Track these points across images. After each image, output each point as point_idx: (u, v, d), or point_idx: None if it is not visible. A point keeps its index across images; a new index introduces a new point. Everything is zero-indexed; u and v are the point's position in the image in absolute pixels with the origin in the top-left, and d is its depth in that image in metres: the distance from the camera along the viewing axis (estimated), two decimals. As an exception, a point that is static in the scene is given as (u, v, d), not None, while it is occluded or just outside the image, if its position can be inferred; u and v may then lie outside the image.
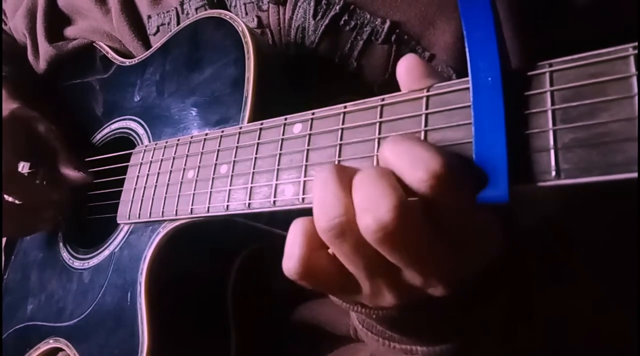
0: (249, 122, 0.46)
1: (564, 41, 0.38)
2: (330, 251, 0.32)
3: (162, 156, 0.52)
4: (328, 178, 0.30)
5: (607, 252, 0.44)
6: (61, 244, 0.66)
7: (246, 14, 0.55)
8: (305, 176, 0.37)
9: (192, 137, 0.49)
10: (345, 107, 0.37)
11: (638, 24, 0.41)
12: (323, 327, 0.54)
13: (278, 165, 0.39)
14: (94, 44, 0.73)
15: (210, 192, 0.44)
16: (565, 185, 0.26)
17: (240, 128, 0.44)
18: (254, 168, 0.41)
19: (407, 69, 0.33)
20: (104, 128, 0.68)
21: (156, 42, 0.63)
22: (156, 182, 0.51)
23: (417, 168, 0.27)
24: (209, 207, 0.44)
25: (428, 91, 0.32)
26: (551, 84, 0.28)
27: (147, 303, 0.49)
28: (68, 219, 0.69)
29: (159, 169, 0.52)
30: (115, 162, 0.63)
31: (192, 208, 0.46)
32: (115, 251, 0.56)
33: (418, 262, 0.29)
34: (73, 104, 0.74)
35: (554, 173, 0.26)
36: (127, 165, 0.57)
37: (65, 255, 0.64)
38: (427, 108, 0.32)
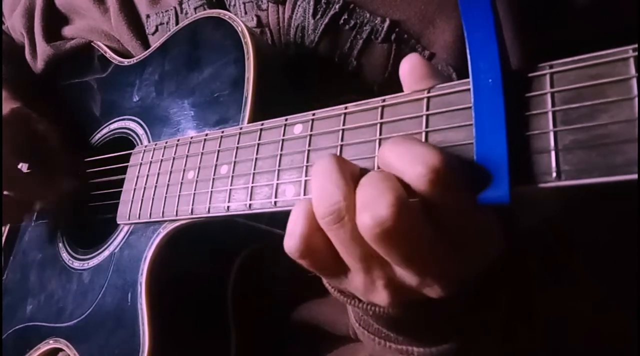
0: (249, 122, 0.46)
1: (564, 41, 0.38)
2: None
3: (162, 156, 0.52)
4: (328, 166, 0.31)
5: (607, 253, 0.44)
6: (61, 244, 0.66)
7: (245, 13, 0.55)
8: (306, 176, 0.37)
9: (192, 138, 0.49)
10: (346, 107, 0.37)
11: (638, 24, 0.41)
12: (323, 327, 0.55)
13: (279, 165, 0.39)
14: (92, 43, 0.73)
15: (211, 192, 0.44)
16: (565, 186, 0.26)
17: (241, 128, 0.44)
18: (254, 169, 0.41)
19: (410, 68, 0.33)
20: (103, 128, 0.67)
21: (155, 42, 0.62)
22: (156, 182, 0.51)
23: (416, 164, 0.27)
24: (209, 208, 0.44)
25: (429, 92, 0.33)
26: (552, 86, 0.28)
27: (147, 304, 0.49)
28: (68, 219, 0.69)
29: (159, 169, 0.52)
30: (115, 162, 0.63)
31: (192, 209, 0.46)
32: (115, 251, 0.56)
33: (415, 262, 0.29)
34: (71, 104, 0.73)
35: (554, 174, 0.26)
36: (127, 166, 0.57)
37: (65, 255, 0.64)
38: (428, 109, 0.32)
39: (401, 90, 0.34)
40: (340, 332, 0.53)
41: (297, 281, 0.52)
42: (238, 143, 0.44)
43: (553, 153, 0.27)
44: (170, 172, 0.50)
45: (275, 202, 0.39)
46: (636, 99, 0.25)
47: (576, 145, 0.26)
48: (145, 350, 0.47)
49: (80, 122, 0.71)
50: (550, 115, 0.27)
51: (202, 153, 0.47)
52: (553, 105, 0.27)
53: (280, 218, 0.34)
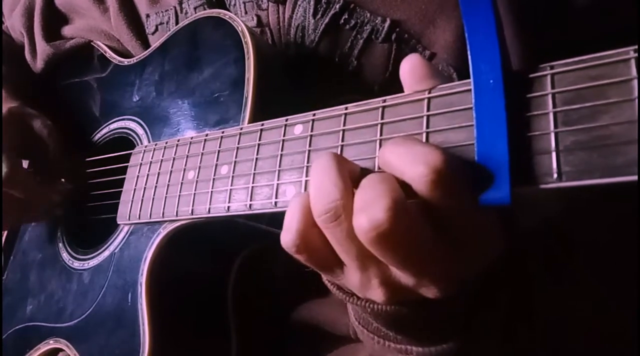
0: (249, 122, 0.46)
1: (564, 41, 0.39)
2: None
3: (162, 157, 0.52)
4: (327, 164, 0.31)
5: (607, 253, 0.44)
6: (61, 244, 0.66)
7: (245, 12, 0.55)
8: (306, 177, 0.37)
9: (192, 138, 0.49)
10: (346, 108, 0.37)
11: (638, 24, 0.41)
12: (323, 327, 0.55)
13: (279, 166, 0.39)
14: (91, 43, 0.73)
15: (211, 192, 0.44)
16: (566, 187, 0.26)
17: (241, 129, 0.44)
18: (255, 169, 0.41)
19: (410, 69, 0.33)
20: (102, 128, 0.67)
21: (155, 42, 0.62)
22: (156, 182, 0.51)
23: (417, 164, 0.27)
24: (209, 208, 0.44)
25: (430, 93, 0.32)
26: (552, 87, 0.28)
27: (147, 304, 0.49)
28: (68, 219, 0.68)
29: (159, 170, 0.51)
30: (115, 162, 0.63)
31: (192, 209, 0.46)
32: (116, 252, 0.56)
33: (412, 264, 0.29)
34: (71, 104, 0.73)
35: (555, 175, 0.26)
36: (127, 166, 0.57)
37: (65, 255, 0.64)
38: (428, 109, 0.32)
39: (402, 91, 0.34)
40: (340, 332, 0.53)
41: (297, 282, 0.52)
42: (238, 144, 0.44)
43: (554, 154, 0.27)
44: (171, 172, 0.50)
45: (275, 203, 0.39)
46: (637, 100, 0.25)
47: (577, 146, 0.26)
48: (146, 350, 0.47)
49: (80, 122, 0.71)
50: (551, 116, 0.27)
51: (202, 154, 0.47)
52: (554, 106, 0.27)
53: (280, 219, 0.34)
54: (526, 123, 0.28)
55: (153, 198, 0.51)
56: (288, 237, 0.32)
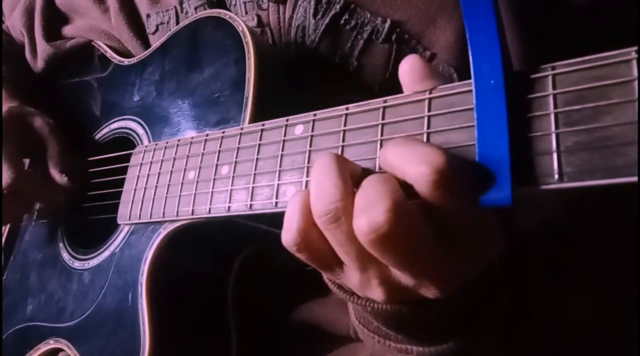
0: (249, 122, 0.46)
1: (564, 41, 0.39)
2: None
3: (163, 156, 0.52)
4: (328, 164, 0.31)
5: (608, 254, 0.44)
6: (61, 244, 0.66)
7: (246, 12, 0.55)
8: (307, 177, 0.37)
9: (192, 138, 0.49)
10: (347, 108, 0.37)
11: (638, 24, 0.41)
12: (323, 327, 0.55)
13: (280, 166, 0.39)
14: (92, 42, 0.73)
15: (212, 192, 0.44)
16: (568, 188, 0.26)
17: (242, 129, 0.44)
18: (255, 170, 0.41)
19: (409, 69, 0.33)
20: (103, 128, 0.67)
21: (155, 41, 0.62)
22: (157, 182, 0.51)
23: (419, 164, 0.27)
24: (210, 208, 0.44)
25: (430, 93, 0.32)
26: (554, 87, 0.28)
27: (148, 304, 0.49)
28: (68, 219, 0.68)
29: (160, 170, 0.51)
30: (115, 162, 0.63)
31: (193, 209, 0.46)
32: (116, 252, 0.56)
33: (411, 265, 0.29)
34: (72, 104, 0.73)
35: (556, 176, 0.26)
36: (127, 166, 0.57)
37: (65, 255, 0.64)
38: (429, 110, 0.32)
39: (402, 91, 0.34)
40: (340, 332, 0.53)
41: (297, 282, 0.52)
42: (239, 144, 0.44)
43: (555, 155, 0.27)
44: (171, 172, 0.50)
45: (276, 203, 0.39)
46: (638, 101, 0.25)
47: (578, 146, 0.26)
48: (146, 350, 0.47)
49: (81, 122, 0.71)
50: (552, 116, 0.27)
51: (202, 154, 0.47)
52: (555, 106, 0.27)
53: (280, 219, 0.34)
54: (527, 123, 0.28)
55: (153, 198, 0.51)
56: (289, 236, 0.32)
